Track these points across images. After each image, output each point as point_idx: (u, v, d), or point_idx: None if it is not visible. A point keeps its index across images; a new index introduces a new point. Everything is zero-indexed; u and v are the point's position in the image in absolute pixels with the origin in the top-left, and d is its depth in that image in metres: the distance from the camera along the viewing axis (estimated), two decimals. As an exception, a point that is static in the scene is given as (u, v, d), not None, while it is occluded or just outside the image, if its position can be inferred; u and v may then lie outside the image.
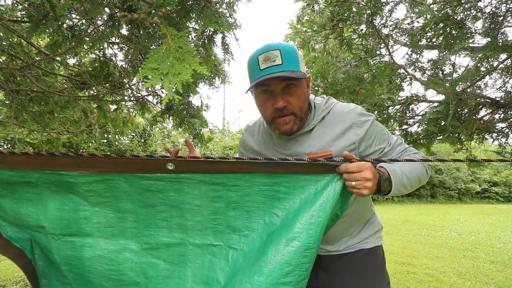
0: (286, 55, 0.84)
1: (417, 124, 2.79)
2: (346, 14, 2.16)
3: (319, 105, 0.98)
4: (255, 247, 0.80)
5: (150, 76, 0.73)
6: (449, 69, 2.52)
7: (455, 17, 1.99)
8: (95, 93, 2.44)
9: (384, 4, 2.05)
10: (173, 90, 0.74)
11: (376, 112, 2.81)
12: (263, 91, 0.89)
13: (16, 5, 1.76)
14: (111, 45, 2.08)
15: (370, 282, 0.99)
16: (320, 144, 0.93)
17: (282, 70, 0.83)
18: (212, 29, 1.45)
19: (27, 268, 0.91)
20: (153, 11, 0.92)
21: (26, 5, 1.50)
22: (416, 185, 0.94)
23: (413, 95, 2.74)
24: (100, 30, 1.52)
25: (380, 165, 0.88)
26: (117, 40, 2.05)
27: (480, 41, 2.09)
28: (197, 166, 0.79)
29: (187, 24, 1.23)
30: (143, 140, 14.01)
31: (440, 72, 2.52)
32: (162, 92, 2.56)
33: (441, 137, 2.66)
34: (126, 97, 2.72)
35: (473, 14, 2.00)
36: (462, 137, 2.59)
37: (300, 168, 0.77)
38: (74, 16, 1.53)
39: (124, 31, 1.68)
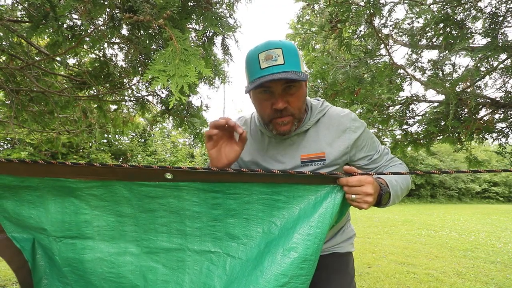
0: (288, 55, 0.82)
1: (417, 124, 2.79)
2: (345, 15, 2.16)
3: (315, 107, 0.98)
4: (253, 255, 0.79)
5: (151, 77, 0.73)
6: (449, 69, 2.52)
7: (455, 17, 1.99)
8: (95, 93, 2.45)
9: (383, 4, 2.05)
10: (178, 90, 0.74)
11: (376, 112, 2.81)
12: (263, 91, 0.87)
13: (16, 5, 1.76)
14: (111, 45, 2.08)
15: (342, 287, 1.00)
16: (314, 146, 0.94)
17: (284, 71, 0.81)
18: (212, 31, 1.45)
19: (22, 270, 0.90)
20: (157, 12, 0.92)
21: (26, 5, 1.50)
22: (404, 195, 0.96)
23: (413, 95, 2.75)
24: (100, 30, 1.52)
25: (378, 176, 0.87)
26: (117, 40, 2.05)
27: (480, 41, 2.09)
28: (195, 176, 0.78)
29: (187, 25, 1.23)
30: (143, 140, 14.00)
31: (440, 72, 2.52)
32: (162, 92, 2.56)
33: (441, 137, 2.67)
34: (126, 97, 2.71)
35: (473, 14, 2.00)
36: (462, 137, 2.59)
37: (301, 179, 0.77)
38: (74, 16, 1.53)
39: (124, 31, 1.68)
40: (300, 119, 0.93)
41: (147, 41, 1.45)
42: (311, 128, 0.96)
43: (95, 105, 2.77)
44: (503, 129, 2.40)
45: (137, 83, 2.50)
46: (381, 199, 0.79)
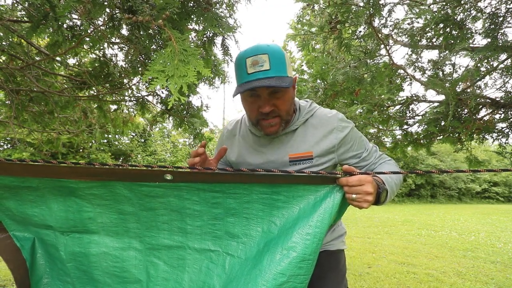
0: (274, 60, 0.84)
1: (417, 124, 2.79)
2: (345, 16, 2.16)
3: (304, 107, 1.00)
4: (252, 255, 0.80)
5: (151, 77, 0.74)
6: (449, 69, 2.52)
7: (455, 18, 1.99)
8: (95, 93, 2.45)
9: (383, 5, 2.05)
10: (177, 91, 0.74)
11: (376, 112, 2.81)
12: (250, 94, 0.90)
13: (16, 5, 1.76)
14: (111, 45, 2.08)
15: (334, 286, 1.01)
16: (302, 145, 0.96)
17: (270, 76, 0.84)
18: (212, 31, 1.45)
19: (19, 270, 0.91)
20: (156, 13, 0.92)
21: (26, 5, 1.50)
22: (397, 191, 0.97)
23: (413, 95, 2.74)
24: (100, 30, 1.52)
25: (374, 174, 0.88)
26: (117, 40, 2.05)
27: (480, 41, 2.10)
28: (195, 177, 0.79)
29: (187, 26, 1.23)
30: (143, 140, 14.00)
31: (440, 72, 2.52)
32: (162, 92, 2.56)
33: (441, 137, 2.66)
34: (126, 97, 2.72)
35: (473, 14, 2.00)
36: (462, 137, 2.59)
37: (300, 179, 0.77)
38: (74, 16, 1.53)
39: (124, 31, 1.68)
40: (288, 121, 0.95)
41: (147, 41, 1.45)
42: (299, 128, 0.98)
43: (95, 105, 2.77)
44: (503, 129, 2.40)
45: (137, 83, 2.50)
46: (379, 197, 0.80)
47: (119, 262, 0.89)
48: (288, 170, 0.97)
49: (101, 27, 1.50)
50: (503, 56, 2.09)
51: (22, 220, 0.89)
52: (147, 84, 2.45)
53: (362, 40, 2.43)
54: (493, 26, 1.90)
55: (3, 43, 1.72)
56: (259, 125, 0.94)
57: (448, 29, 2.04)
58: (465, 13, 2.02)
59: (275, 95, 0.88)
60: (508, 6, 1.90)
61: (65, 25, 1.47)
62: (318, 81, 2.85)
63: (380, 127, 3.00)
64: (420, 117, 2.76)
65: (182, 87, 0.71)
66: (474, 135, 2.47)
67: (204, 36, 1.49)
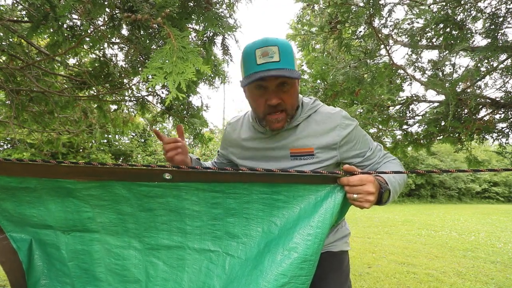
0: (283, 52, 0.84)
1: (417, 124, 2.79)
2: (345, 16, 2.16)
3: (307, 104, 1.00)
4: (252, 255, 0.79)
5: (150, 76, 0.74)
6: (449, 69, 2.52)
7: (455, 18, 1.98)
8: (95, 93, 2.44)
9: (383, 5, 2.05)
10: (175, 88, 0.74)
11: (376, 112, 2.81)
12: (258, 86, 0.89)
13: (16, 5, 1.76)
14: (111, 45, 2.08)
15: (336, 287, 1.01)
16: (304, 141, 0.95)
17: (280, 68, 0.83)
18: (213, 31, 1.45)
19: (15, 272, 0.90)
20: (156, 12, 0.93)
21: (26, 5, 1.50)
22: (401, 191, 0.96)
23: (413, 95, 2.74)
24: (100, 30, 1.52)
25: (377, 174, 0.87)
26: (117, 40, 2.05)
27: (480, 41, 2.10)
28: (194, 176, 0.79)
29: (188, 26, 1.23)
30: (143, 140, 14.00)
31: (440, 73, 2.52)
32: (162, 92, 2.56)
33: (441, 137, 2.66)
34: (126, 97, 2.71)
35: (473, 14, 2.00)
36: (462, 137, 2.59)
37: (301, 179, 0.77)
38: (74, 16, 1.53)
39: (124, 31, 1.68)
40: (293, 116, 0.95)
41: (147, 41, 1.45)
42: (301, 123, 0.97)
43: (95, 105, 2.76)
44: (503, 129, 2.40)
45: (137, 83, 2.50)
46: (382, 197, 0.79)
47: (120, 260, 0.89)
48: (289, 165, 0.97)
49: (101, 27, 1.50)
50: (503, 56, 2.09)
51: (20, 221, 0.88)
52: (145, 82, 2.45)
53: (362, 40, 2.43)
54: (493, 26, 1.90)
55: (3, 43, 1.72)
56: (265, 120, 0.93)
57: (448, 29, 2.04)
58: (465, 13, 2.02)
59: (283, 88, 0.88)
60: (508, 6, 1.90)
61: (65, 25, 1.47)
62: (318, 81, 2.85)
63: (380, 127, 3.00)
64: (420, 117, 2.76)
65: (180, 84, 0.70)
66: (474, 135, 2.46)
67: (205, 36, 1.49)
